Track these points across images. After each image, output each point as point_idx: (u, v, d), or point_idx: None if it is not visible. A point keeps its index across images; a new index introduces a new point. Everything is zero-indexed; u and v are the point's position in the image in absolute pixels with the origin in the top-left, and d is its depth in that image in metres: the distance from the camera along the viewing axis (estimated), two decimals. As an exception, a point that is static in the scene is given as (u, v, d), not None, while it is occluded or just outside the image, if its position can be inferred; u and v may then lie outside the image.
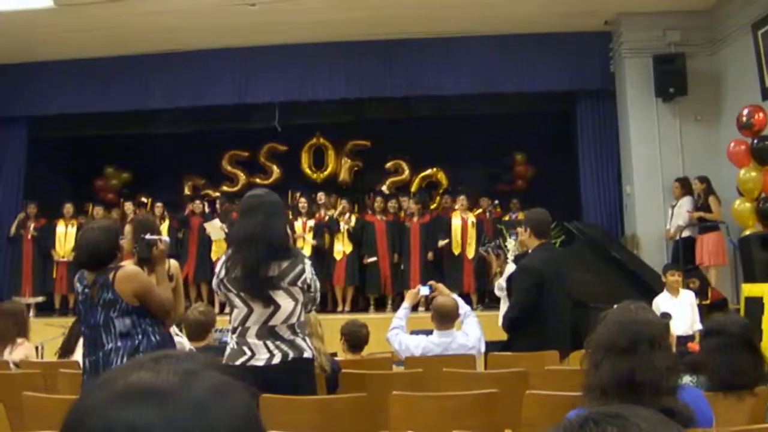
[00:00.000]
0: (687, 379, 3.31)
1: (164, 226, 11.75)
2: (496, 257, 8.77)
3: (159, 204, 12.28)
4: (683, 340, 7.06)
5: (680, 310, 7.40)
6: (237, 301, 3.77)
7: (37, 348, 7.51)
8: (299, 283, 3.76)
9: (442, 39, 11.53)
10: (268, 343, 3.71)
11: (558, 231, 9.48)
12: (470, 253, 11.35)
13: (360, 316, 7.73)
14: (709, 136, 10.70)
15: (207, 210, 12.21)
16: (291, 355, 3.72)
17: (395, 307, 8.14)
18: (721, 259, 9.85)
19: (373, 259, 11.54)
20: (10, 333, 5.62)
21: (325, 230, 11.62)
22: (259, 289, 3.70)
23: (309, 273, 3.80)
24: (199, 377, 0.86)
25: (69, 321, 6.83)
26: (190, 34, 11.22)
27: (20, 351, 5.60)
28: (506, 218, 11.63)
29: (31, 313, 11.65)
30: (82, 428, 0.81)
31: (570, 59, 11.44)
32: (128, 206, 12.42)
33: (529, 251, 5.62)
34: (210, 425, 0.81)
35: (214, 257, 11.11)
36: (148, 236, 4.10)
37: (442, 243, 11.39)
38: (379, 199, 12.07)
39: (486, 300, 11.14)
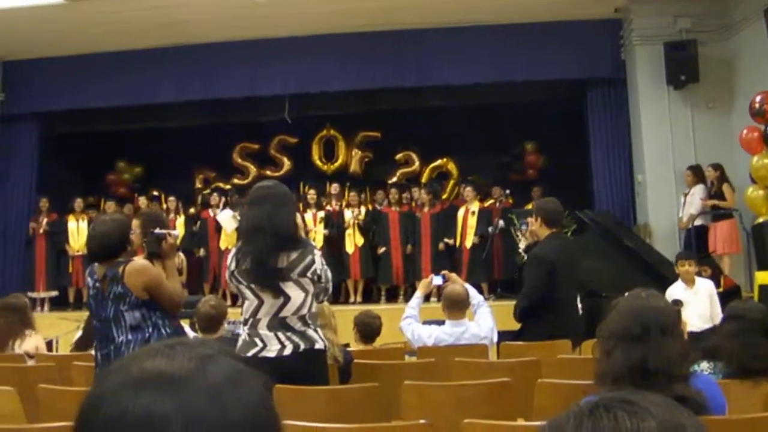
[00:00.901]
0: (705, 365, 3.31)
1: (179, 222, 11.82)
2: (522, 233, 8.70)
3: (172, 198, 12.36)
4: (697, 335, 6.26)
5: (695, 302, 6.85)
6: (248, 293, 3.78)
7: (51, 342, 7.58)
8: (309, 275, 3.75)
9: (452, 29, 11.49)
10: (279, 334, 3.71)
11: (569, 220, 9.45)
12: (468, 242, 11.33)
13: (372, 307, 7.74)
14: (721, 124, 10.63)
15: (221, 204, 12.22)
16: (302, 346, 3.72)
17: (407, 298, 8.14)
18: (734, 247, 9.80)
19: (383, 249, 11.56)
20: (15, 327, 5.68)
21: (334, 224, 11.64)
22: (268, 280, 3.70)
23: (319, 264, 3.79)
24: (214, 363, 0.86)
25: (83, 315, 6.88)
26: (200, 27, 11.23)
27: (30, 342, 5.66)
28: (529, 206, 11.61)
29: (46, 308, 11.78)
30: (97, 414, 0.82)
31: (580, 47, 11.37)
32: (142, 201, 12.49)
33: (540, 240, 5.61)
34: (225, 411, 0.82)
35: (223, 246, 11.17)
36: (157, 230, 4.11)
37: (446, 241, 11.46)
38: (393, 190, 12.07)
39: (498, 290, 11.13)
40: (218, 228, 11.66)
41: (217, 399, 0.82)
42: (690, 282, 7.06)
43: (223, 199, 12.33)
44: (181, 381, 0.82)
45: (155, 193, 12.98)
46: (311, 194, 11.83)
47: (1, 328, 5.68)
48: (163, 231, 4.12)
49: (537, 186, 12.42)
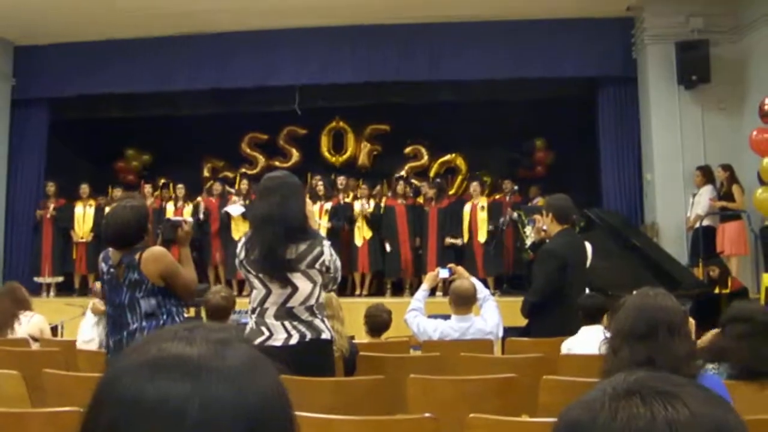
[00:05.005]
0: (709, 367, 3.30)
1: (187, 210, 11.79)
2: (531, 229, 8.52)
3: (180, 186, 12.30)
4: None
5: None
6: (256, 282, 3.79)
7: (56, 327, 7.60)
8: (317, 266, 3.75)
9: (464, 24, 11.48)
10: (286, 323, 3.72)
11: (579, 218, 9.44)
12: (481, 237, 11.27)
13: (378, 300, 7.73)
14: (731, 124, 10.58)
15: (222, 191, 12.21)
16: (309, 336, 3.72)
17: (413, 292, 8.14)
18: (742, 249, 9.77)
19: (388, 246, 11.51)
20: (10, 310, 5.70)
21: (341, 217, 11.57)
22: (277, 271, 3.71)
23: (328, 255, 3.79)
24: (232, 348, 0.87)
25: (89, 301, 6.90)
26: (212, 15, 11.23)
27: (33, 324, 5.68)
28: (529, 204, 11.56)
29: (52, 293, 11.81)
30: (113, 393, 0.82)
31: (592, 45, 11.36)
32: (147, 188, 12.47)
33: (550, 237, 5.58)
34: (242, 395, 0.83)
35: (236, 237, 11.15)
36: (173, 217, 4.13)
37: (451, 240, 11.36)
38: (401, 183, 12.02)
39: (504, 286, 11.11)
40: (226, 217, 11.63)
41: (234, 383, 0.83)
42: None
43: (226, 187, 12.35)
44: (199, 364, 0.83)
45: (163, 181, 12.95)
46: (320, 186, 11.77)
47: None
48: (179, 218, 4.14)
49: (536, 185, 12.40)
